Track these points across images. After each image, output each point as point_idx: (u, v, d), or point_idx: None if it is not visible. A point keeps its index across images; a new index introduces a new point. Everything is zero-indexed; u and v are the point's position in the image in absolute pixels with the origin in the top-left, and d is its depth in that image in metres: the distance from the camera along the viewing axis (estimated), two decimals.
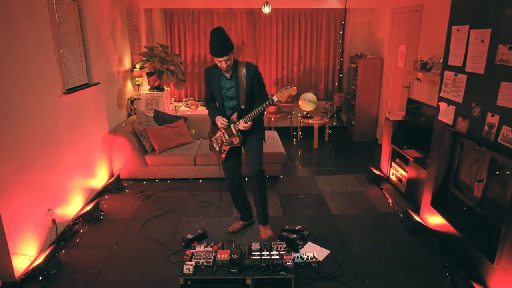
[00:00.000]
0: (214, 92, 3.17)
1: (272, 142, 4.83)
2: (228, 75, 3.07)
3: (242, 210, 3.52)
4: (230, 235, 3.41)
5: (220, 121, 3.14)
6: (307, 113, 6.31)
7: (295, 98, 6.47)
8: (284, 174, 4.87)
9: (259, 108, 2.99)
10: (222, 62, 2.93)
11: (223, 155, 3.26)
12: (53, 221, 3.20)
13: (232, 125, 3.14)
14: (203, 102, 6.72)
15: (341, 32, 6.65)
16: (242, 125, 3.06)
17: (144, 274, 2.85)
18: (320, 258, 3.02)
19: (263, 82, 3.17)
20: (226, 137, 3.19)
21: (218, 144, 3.27)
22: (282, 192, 4.31)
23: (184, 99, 6.80)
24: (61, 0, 3.47)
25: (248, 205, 3.53)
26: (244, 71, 3.03)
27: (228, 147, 3.21)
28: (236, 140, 3.15)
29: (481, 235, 2.81)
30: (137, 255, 3.11)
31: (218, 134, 3.26)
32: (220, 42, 2.83)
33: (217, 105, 3.24)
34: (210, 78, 3.15)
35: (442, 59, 3.40)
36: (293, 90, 2.93)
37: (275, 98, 2.95)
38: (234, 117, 3.12)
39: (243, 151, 3.34)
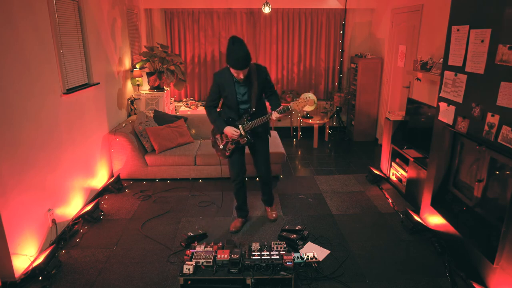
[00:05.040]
0: (228, 97, 3.13)
1: (272, 142, 4.81)
2: (241, 81, 3.07)
3: (243, 206, 3.56)
4: (231, 234, 3.41)
5: (231, 131, 3.13)
6: (307, 113, 6.31)
7: (295, 98, 6.47)
8: (284, 174, 4.87)
9: (270, 114, 3.08)
10: (240, 74, 2.94)
11: (227, 153, 3.31)
12: (53, 221, 3.20)
13: (240, 126, 3.17)
14: (203, 102, 6.72)
15: (341, 32, 6.65)
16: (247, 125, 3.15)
17: (144, 274, 2.85)
18: (320, 258, 3.02)
19: (271, 79, 3.27)
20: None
21: (222, 141, 3.30)
22: (282, 192, 4.31)
23: (184, 99, 6.80)
24: (61, 0, 3.47)
25: (246, 201, 3.59)
26: (255, 75, 3.06)
27: (234, 146, 3.26)
28: (243, 141, 3.22)
29: (481, 235, 2.80)
30: (137, 255, 3.11)
31: None
32: (244, 56, 2.83)
33: (228, 108, 3.23)
34: (222, 84, 3.10)
35: (442, 59, 3.40)
36: (310, 102, 2.97)
37: (291, 107, 3.00)
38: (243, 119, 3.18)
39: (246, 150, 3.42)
